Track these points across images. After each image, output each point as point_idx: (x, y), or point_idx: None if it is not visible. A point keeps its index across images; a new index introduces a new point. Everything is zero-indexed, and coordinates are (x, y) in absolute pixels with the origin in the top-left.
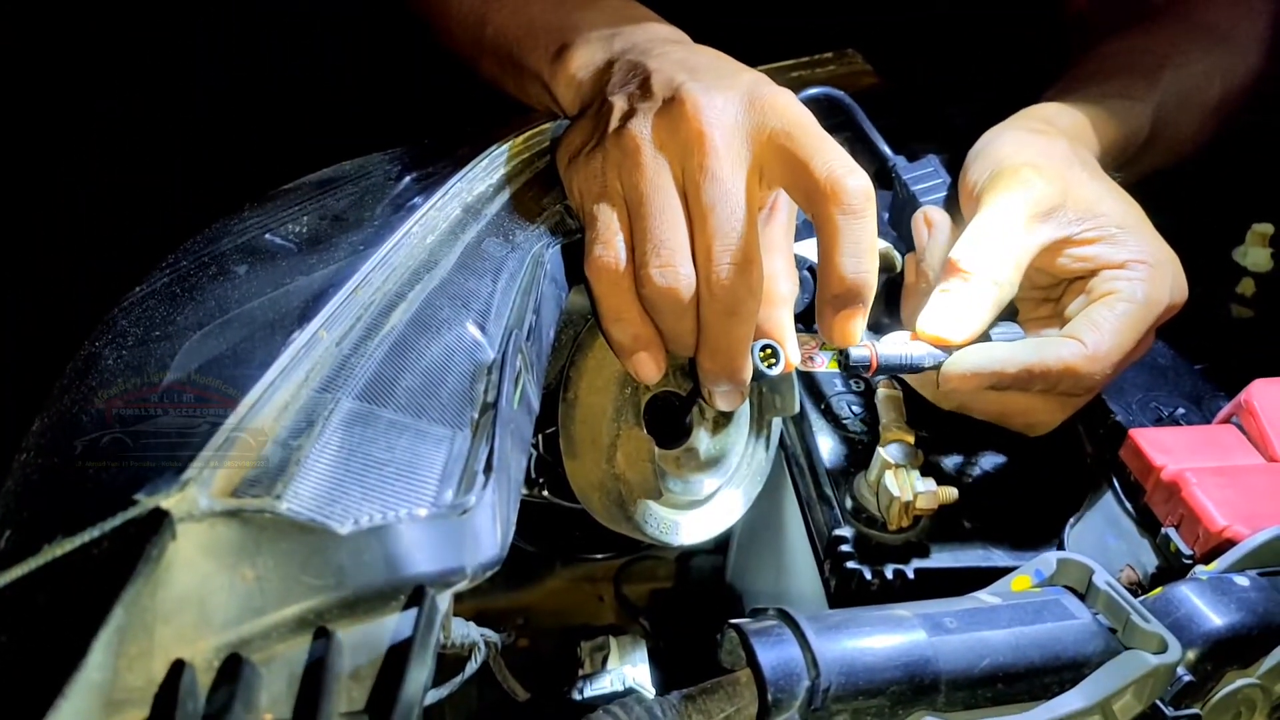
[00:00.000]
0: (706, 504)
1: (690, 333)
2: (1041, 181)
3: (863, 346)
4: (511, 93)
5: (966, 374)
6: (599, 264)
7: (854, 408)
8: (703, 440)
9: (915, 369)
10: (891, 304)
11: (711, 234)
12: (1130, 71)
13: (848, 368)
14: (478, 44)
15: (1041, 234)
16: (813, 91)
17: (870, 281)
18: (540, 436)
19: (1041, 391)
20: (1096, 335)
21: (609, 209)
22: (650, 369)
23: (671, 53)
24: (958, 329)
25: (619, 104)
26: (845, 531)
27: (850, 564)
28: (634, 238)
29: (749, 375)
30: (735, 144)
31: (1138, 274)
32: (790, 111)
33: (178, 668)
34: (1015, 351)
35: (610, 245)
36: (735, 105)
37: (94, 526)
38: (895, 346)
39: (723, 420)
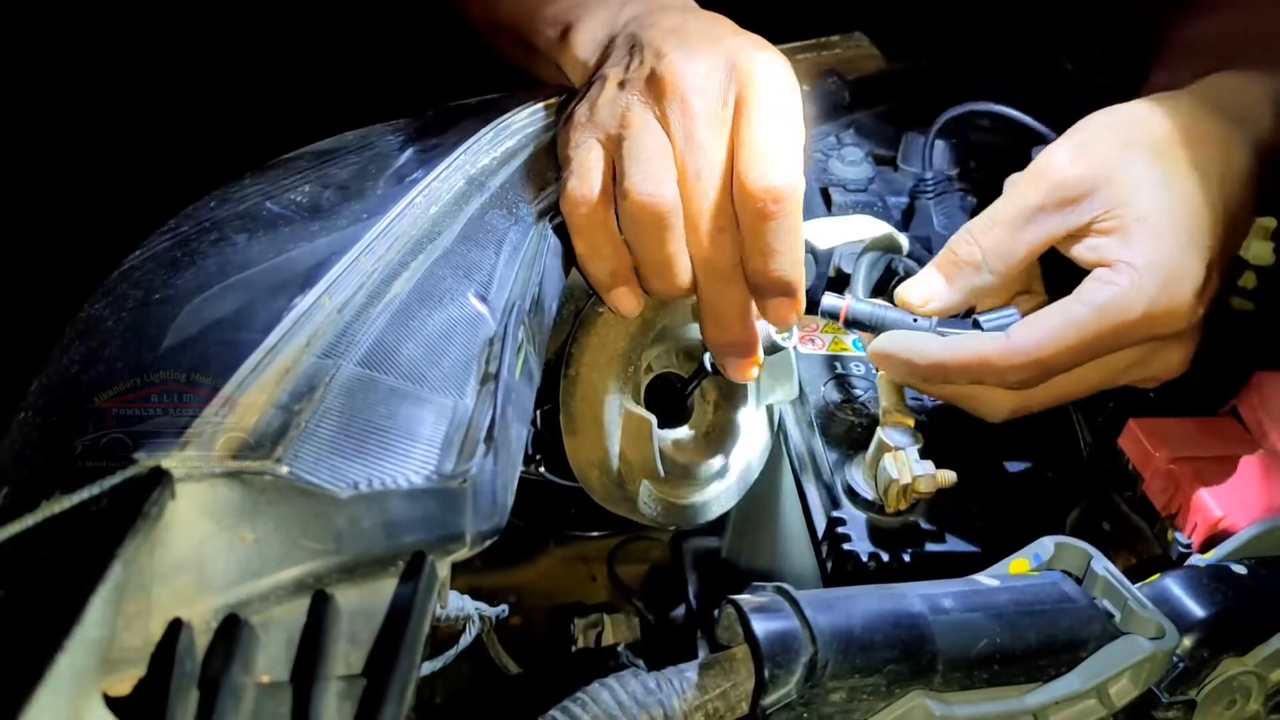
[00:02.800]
0: (705, 487)
1: (672, 262)
2: (1069, 166)
3: (839, 298)
4: (530, 72)
5: (883, 353)
6: (573, 196)
7: (854, 390)
8: (703, 423)
9: (883, 327)
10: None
11: (701, 199)
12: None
13: (819, 311)
14: (493, 25)
15: (1049, 225)
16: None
17: (789, 280)
18: (538, 413)
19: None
20: (1026, 331)
21: (587, 150)
22: (630, 302)
23: (665, 20)
24: (924, 299)
25: (612, 73)
26: (843, 514)
27: (847, 546)
28: (618, 166)
29: (758, 342)
30: (720, 112)
31: (1114, 277)
32: (763, 88)
33: (175, 627)
34: (937, 345)
35: (585, 178)
36: (720, 71)
37: (93, 484)
38: (869, 304)
39: (723, 404)
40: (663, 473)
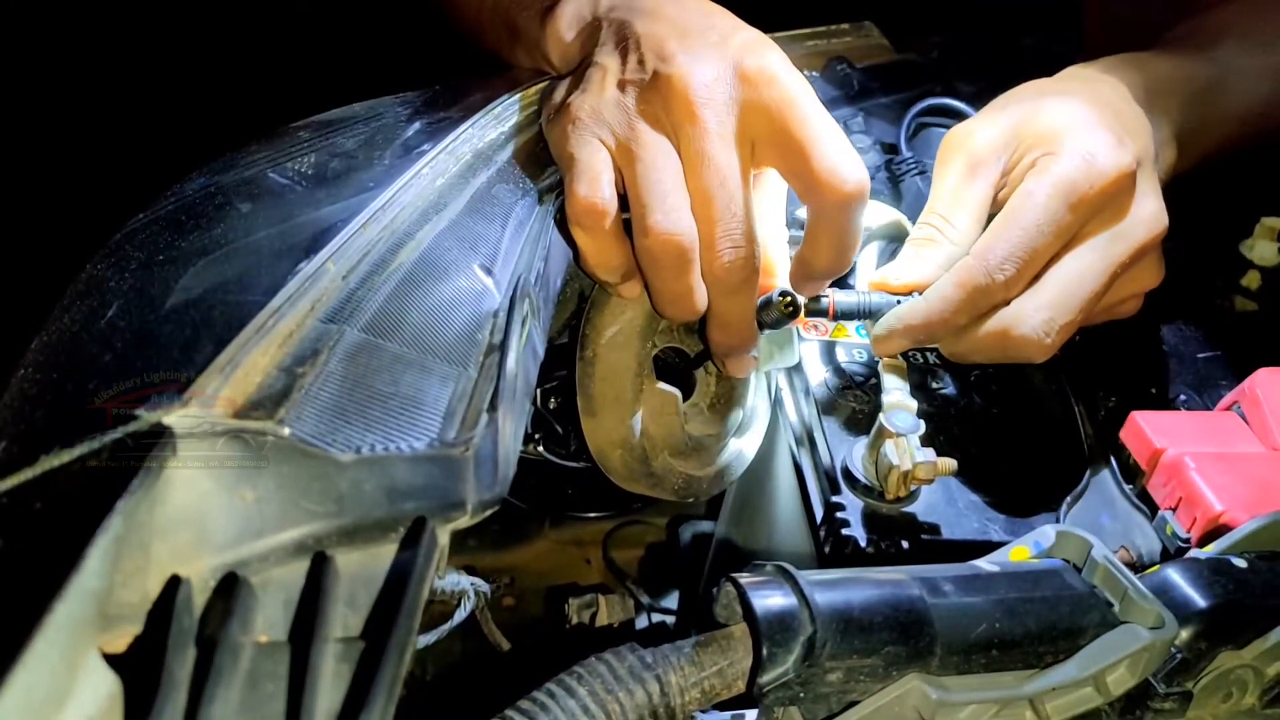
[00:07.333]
0: (717, 457)
1: (690, 293)
2: (978, 125)
3: (823, 295)
4: (513, 62)
5: (883, 336)
6: (582, 202)
7: (856, 376)
8: (707, 394)
9: (872, 314)
10: None
11: (714, 220)
12: (1184, 38)
13: (810, 311)
14: (477, 17)
15: (978, 187)
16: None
17: (847, 266)
18: (538, 391)
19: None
20: (983, 241)
21: (592, 151)
22: (638, 290)
23: (659, 10)
24: (898, 278)
25: (610, 65)
26: (842, 499)
27: (846, 531)
28: (632, 187)
29: (757, 342)
30: (729, 122)
31: (1041, 164)
32: (784, 87)
33: (173, 584)
34: (922, 300)
35: (594, 183)
36: (727, 79)
37: (93, 438)
38: (854, 295)
39: (724, 375)
40: (688, 445)
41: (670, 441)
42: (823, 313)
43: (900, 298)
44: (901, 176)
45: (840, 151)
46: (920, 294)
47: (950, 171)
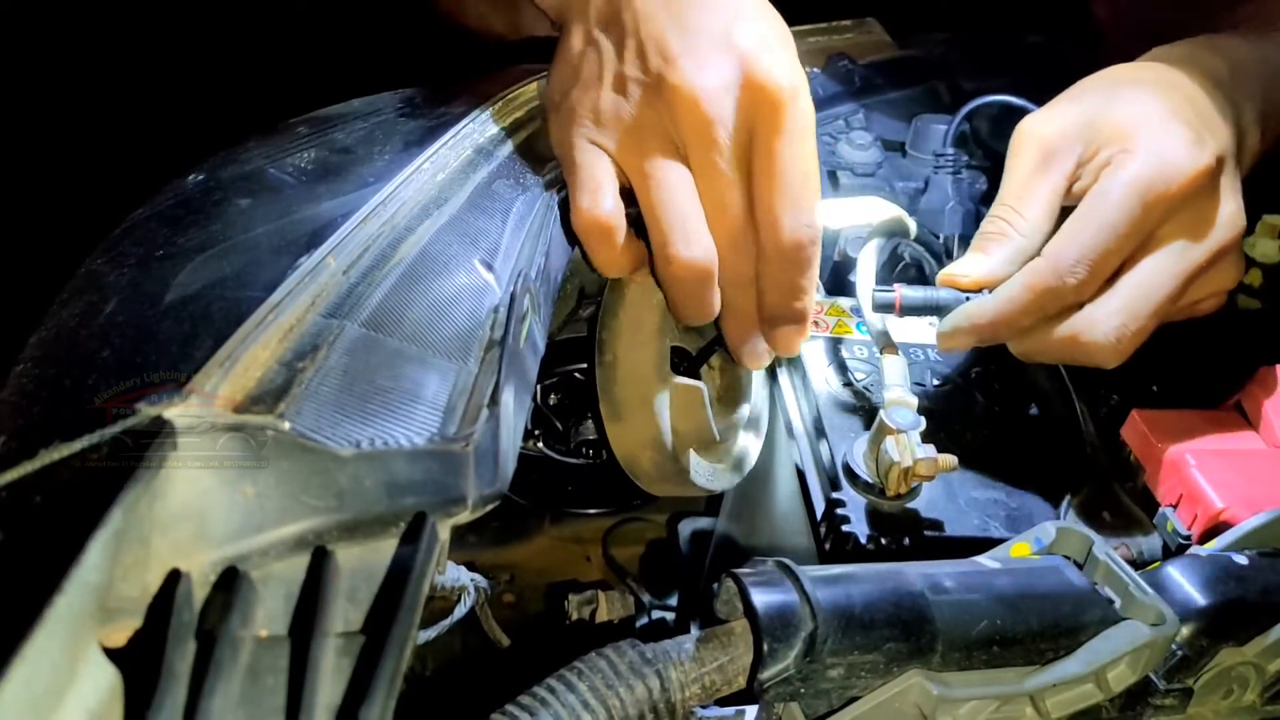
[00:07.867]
0: (736, 444)
1: (711, 302)
2: (1051, 114)
3: (889, 290)
4: (495, 29)
5: (949, 333)
6: (588, 214)
7: (856, 373)
8: (714, 386)
9: (939, 310)
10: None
11: (723, 233)
12: (1246, 21)
13: (877, 305)
14: None
15: (1056, 168)
16: (986, 100)
17: (802, 310)
18: (539, 387)
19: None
20: (1054, 243)
21: (594, 158)
22: (650, 279)
23: None
24: (966, 274)
25: (605, 53)
26: (843, 496)
27: (847, 528)
28: (646, 209)
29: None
30: (738, 136)
31: (1117, 162)
32: (776, 104)
33: (174, 578)
34: (989, 299)
35: (597, 194)
36: (733, 86)
37: (93, 433)
38: (921, 291)
39: (727, 365)
40: (717, 436)
41: (700, 435)
42: (889, 307)
43: (969, 294)
44: (937, 171)
45: (790, 200)
46: (989, 291)
47: (1022, 162)
